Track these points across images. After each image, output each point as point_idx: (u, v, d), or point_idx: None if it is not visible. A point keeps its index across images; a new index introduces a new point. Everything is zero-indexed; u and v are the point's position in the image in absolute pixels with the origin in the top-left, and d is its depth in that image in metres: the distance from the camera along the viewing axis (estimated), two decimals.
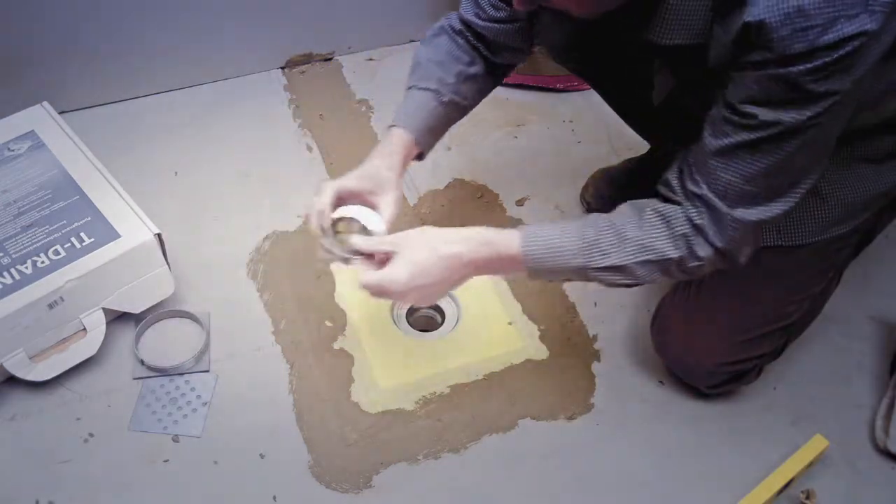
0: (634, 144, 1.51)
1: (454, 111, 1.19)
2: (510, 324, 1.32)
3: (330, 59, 1.76)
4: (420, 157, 1.18)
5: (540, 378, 1.27)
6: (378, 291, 1.01)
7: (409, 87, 1.18)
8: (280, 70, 1.72)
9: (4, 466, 1.14)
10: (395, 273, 0.99)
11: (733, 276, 1.10)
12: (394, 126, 1.15)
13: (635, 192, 1.42)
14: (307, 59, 1.74)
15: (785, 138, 0.87)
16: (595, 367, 1.29)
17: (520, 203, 1.51)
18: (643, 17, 0.92)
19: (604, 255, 0.96)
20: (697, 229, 0.94)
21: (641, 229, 0.96)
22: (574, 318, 1.33)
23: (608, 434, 1.21)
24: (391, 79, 1.72)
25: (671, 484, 1.17)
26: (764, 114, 0.86)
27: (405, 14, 1.75)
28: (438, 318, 1.34)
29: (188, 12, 1.55)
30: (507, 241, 0.99)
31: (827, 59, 0.80)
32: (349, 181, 1.09)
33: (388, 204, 1.09)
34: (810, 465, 1.16)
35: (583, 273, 0.98)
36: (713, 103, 0.92)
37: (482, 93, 1.23)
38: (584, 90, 1.67)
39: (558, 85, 1.69)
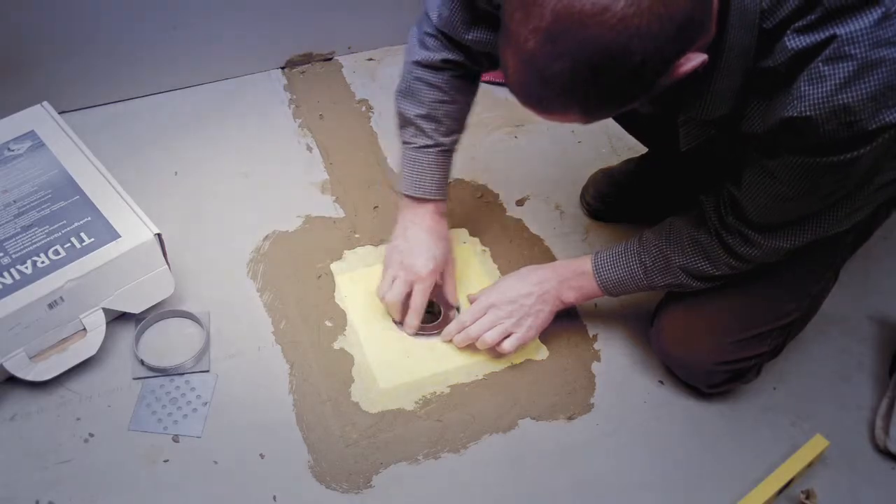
0: (634, 144, 1.51)
1: (457, 143, 1.26)
2: None
3: (330, 59, 1.75)
4: None
5: (540, 378, 1.27)
6: (483, 305, 1.22)
7: (407, 144, 1.23)
8: (280, 70, 1.72)
9: (4, 466, 1.13)
10: (488, 291, 1.24)
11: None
12: (428, 200, 1.24)
13: (635, 192, 1.44)
14: (307, 59, 1.74)
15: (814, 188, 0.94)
16: (595, 367, 1.29)
17: (520, 203, 1.51)
18: (682, 99, 0.94)
19: (662, 276, 1.14)
20: (730, 251, 1.06)
21: (684, 255, 1.11)
22: (574, 318, 1.33)
23: (608, 434, 1.21)
24: (391, 79, 1.70)
25: (671, 484, 1.17)
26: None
27: (405, 14, 1.74)
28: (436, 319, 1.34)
29: (188, 12, 1.55)
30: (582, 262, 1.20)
31: (864, 149, 0.85)
32: (431, 280, 1.25)
33: (450, 275, 1.30)
34: (810, 465, 1.16)
35: (652, 289, 1.17)
36: (739, 145, 0.97)
37: (471, 105, 1.26)
38: None
39: None
